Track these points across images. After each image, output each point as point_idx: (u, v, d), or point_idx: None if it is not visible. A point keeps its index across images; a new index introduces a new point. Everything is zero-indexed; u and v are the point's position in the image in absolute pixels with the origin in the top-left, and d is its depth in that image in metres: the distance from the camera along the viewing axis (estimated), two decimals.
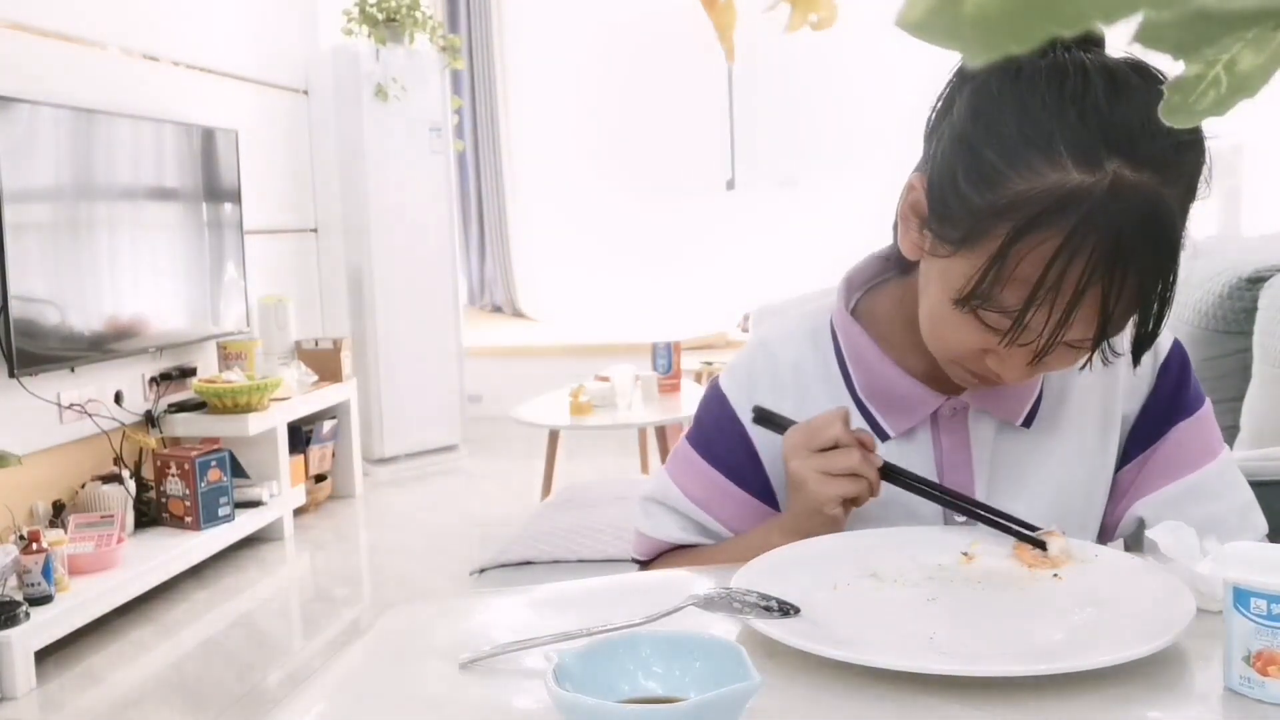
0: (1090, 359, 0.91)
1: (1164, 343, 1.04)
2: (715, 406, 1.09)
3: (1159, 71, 0.85)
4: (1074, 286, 0.83)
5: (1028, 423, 1.02)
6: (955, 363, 0.96)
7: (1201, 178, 0.86)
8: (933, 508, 1.01)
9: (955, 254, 0.88)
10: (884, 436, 1.02)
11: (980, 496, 1.01)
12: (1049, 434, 1.02)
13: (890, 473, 0.97)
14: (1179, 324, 2.57)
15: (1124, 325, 0.88)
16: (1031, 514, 0.98)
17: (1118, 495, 1.04)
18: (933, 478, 1.02)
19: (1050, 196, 0.82)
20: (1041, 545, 0.91)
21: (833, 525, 0.96)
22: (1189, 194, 0.85)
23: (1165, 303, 0.88)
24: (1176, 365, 1.04)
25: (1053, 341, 0.86)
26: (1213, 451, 1.03)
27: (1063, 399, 1.03)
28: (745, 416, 1.05)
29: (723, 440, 1.07)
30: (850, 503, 0.96)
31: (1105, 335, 0.87)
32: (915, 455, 1.02)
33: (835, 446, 0.95)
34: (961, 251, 0.87)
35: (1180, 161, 0.83)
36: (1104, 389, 1.03)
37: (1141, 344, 0.91)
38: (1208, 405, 1.05)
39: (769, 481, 1.07)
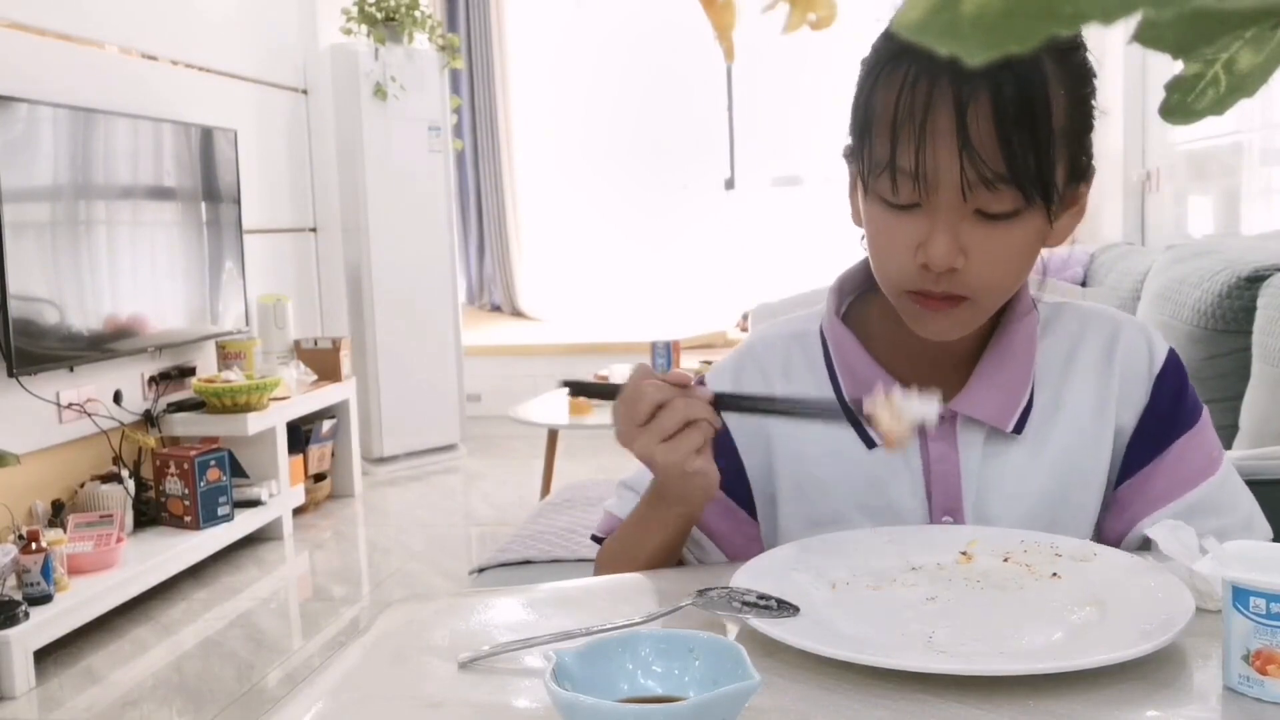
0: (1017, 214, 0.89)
1: (1159, 353, 1.03)
2: None
3: None
4: (923, 106, 0.86)
5: (1018, 429, 1.00)
6: (898, 285, 0.95)
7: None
8: (919, 509, 1.01)
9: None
10: (870, 444, 1.01)
11: (968, 506, 1.00)
12: (1039, 442, 1.00)
13: (724, 402, 0.94)
14: (1177, 323, 2.57)
15: (1008, 158, 0.86)
16: (1018, 523, 0.99)
17: (1119, 510, 1.02)
18: (920, 486, 1.01)
19: (898, 43, 0.89)
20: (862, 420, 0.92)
21: (703, 480, 0.93)
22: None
23: (1056, 125, 0.87)
24: (1173, 376, 1.03)
25: (926, 178, 0.88)
26: (1214, 463, 1.01)
27: (1055, 407, 1.01)
28: (732, 420, 1.03)
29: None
30: (697, 460, 0.92)
31: (984, 168, 0.86)
32: (902, 463, 1.01)
33: (658, 409, 0.91)
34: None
35: None
36: (1098, 398, 1.02)
37: (1054, 179, 0.90)
38: (1205, 414, 1.03)
39: (750, 488, 1.07)
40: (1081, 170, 0.95)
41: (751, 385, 1.07)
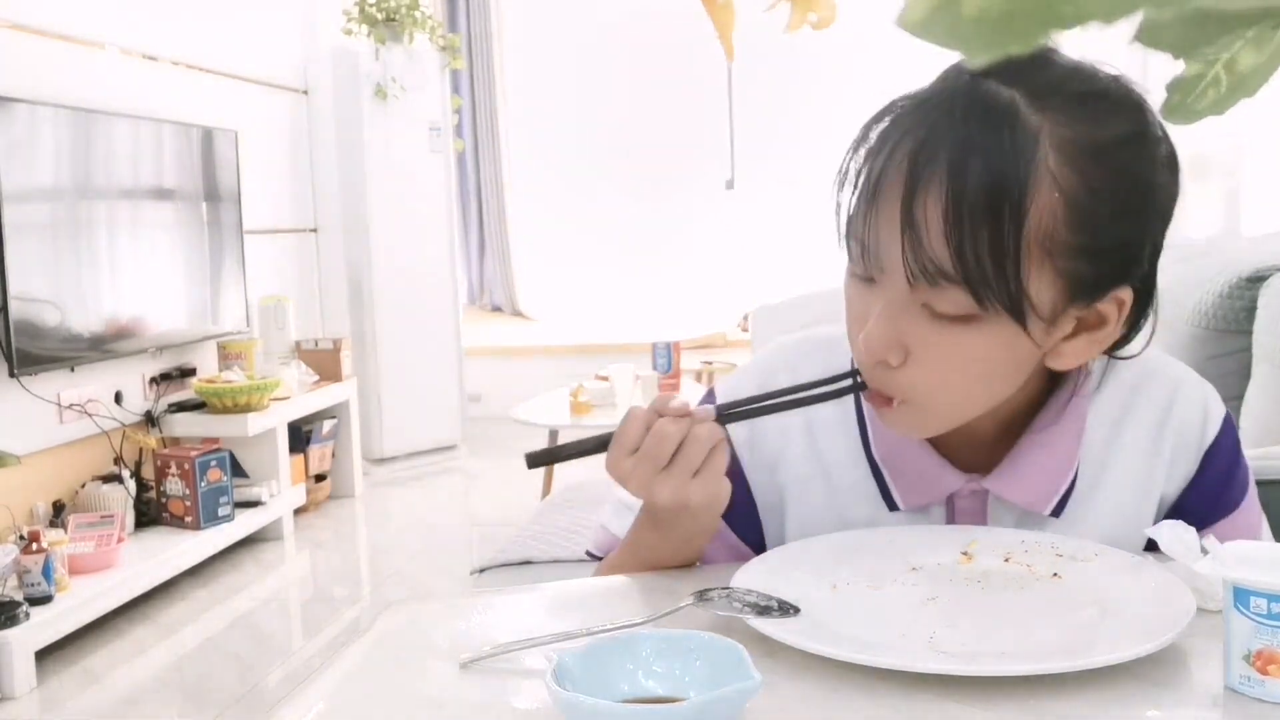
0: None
1: (1213, 423, 0.94)
2: None
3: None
4: (878, 174, 0.78)
5: (1056, 512, 0.92)
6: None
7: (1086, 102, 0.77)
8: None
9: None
10: (893, 507, 0.94)
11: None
12: (1075, 523, 0.92)
13: (726, 415, 0.87)
14: (1178, 323, 2.57)
15: (956, 254, 0.75)
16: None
17: None
18: None
19: (890, 104, 0.81)
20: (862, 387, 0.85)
21: (707, 516, 0.88)
22: (1055, 100, 0.77)
23: (1035, 232, 0.75)
24: (1226, 452, 0.94)
25: (874, 256, 0.79)
26: (1254, 537, 0.94)
27: (1097, 484, 0.92)
28: (744, 453, 0.98)
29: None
30: (707, 475, 0.85)
31: (926, 258, 0.75)
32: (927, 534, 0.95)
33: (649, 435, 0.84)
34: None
35: (1041, 69, 0.78)
36: (1146, 474, 0.93)
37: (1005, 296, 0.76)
38: (1252, 490, 0.96)
39: (760, 526, 1.00)
40: (1101, 284, 0.80)
41: (770, 422, 0.96)
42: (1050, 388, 0.91)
